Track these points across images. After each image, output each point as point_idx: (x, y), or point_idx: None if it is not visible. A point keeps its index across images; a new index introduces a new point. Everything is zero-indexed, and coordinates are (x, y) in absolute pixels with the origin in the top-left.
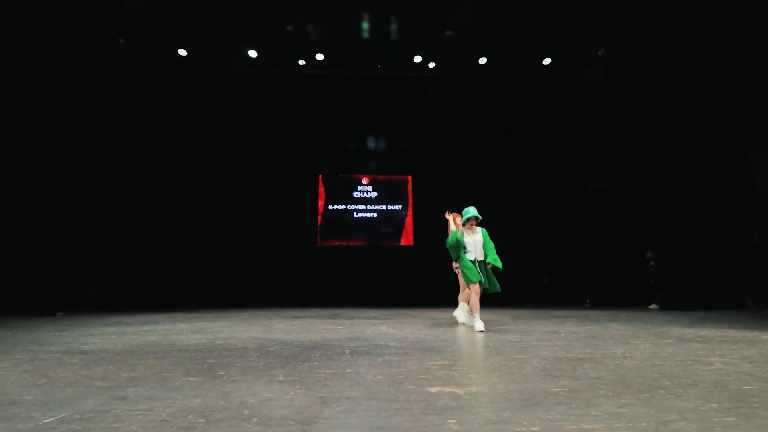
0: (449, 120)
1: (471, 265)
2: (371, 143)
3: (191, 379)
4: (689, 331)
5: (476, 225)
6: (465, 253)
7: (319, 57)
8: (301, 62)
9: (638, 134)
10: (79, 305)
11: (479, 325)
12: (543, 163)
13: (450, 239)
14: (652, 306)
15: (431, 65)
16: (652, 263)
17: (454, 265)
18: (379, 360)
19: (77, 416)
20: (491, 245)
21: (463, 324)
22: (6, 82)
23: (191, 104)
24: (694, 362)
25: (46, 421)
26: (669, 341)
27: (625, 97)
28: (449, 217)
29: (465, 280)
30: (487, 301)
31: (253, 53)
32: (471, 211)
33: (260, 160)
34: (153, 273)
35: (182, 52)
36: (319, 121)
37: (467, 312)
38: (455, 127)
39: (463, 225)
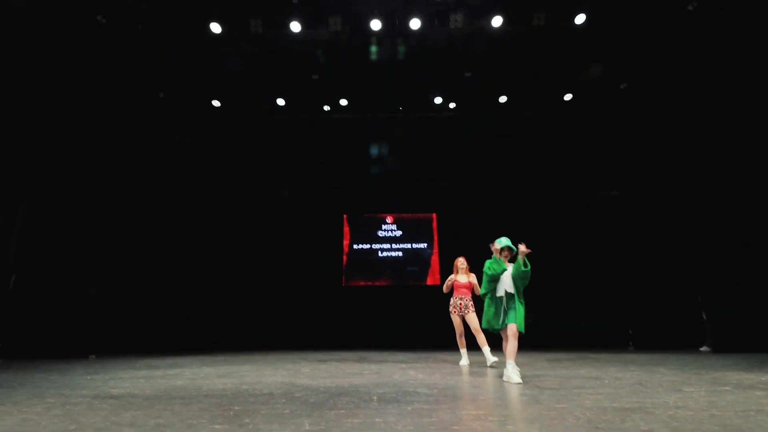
0: (473, 156)
1: (489, 306)
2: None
3: (217, 426)
4: (749, 377)
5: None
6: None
7: (343, 102)
8: (326, 108)
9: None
10: (111, 346)
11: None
12: (571, 196)
13: (491, 269)
14: (703, 348)
15: (452, 105)
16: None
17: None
18: (409, 408)
19: None
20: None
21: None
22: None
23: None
24: (758, 413)
25: None
26: (726, 388)
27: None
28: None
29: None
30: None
31: (281, 101)
32: (504, 241)
33: (285, 202)
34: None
35: (216, 103)
36: (343, 162)
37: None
38: (479, 164)
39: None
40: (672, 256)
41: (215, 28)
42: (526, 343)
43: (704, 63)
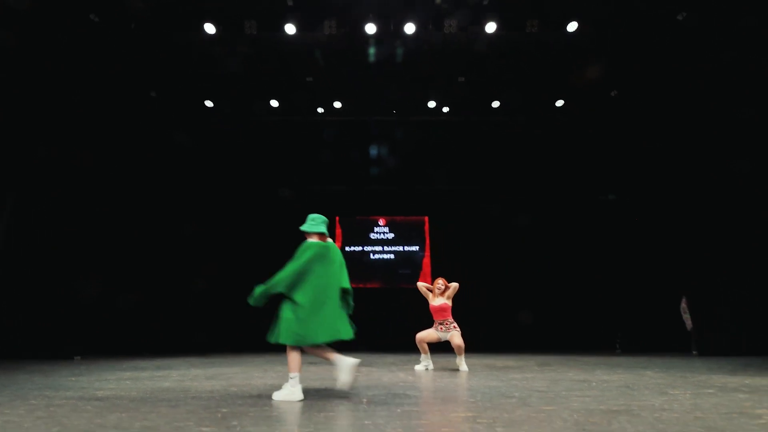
0: (466, 160)
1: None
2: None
3: (204, 429)
4: (732, 380)
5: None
6: None
7: (337, 105)
8: (320, 110)
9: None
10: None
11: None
12: (565, 200)
13: None
14: (695, 352)
15: (445, 110)
16: (685, 306)
17: None
18: (398, 411)
19: None
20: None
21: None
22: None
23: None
24: (741, 415)
25: None
26: (711, 391)
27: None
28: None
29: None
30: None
31: (274, 103)
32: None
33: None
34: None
35: (209, 103)
36: (336, 164)
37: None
38: (472, 168)
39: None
40: (660, 262)
41: (209, 28)
42: (517, 347)
43: (693, 70)
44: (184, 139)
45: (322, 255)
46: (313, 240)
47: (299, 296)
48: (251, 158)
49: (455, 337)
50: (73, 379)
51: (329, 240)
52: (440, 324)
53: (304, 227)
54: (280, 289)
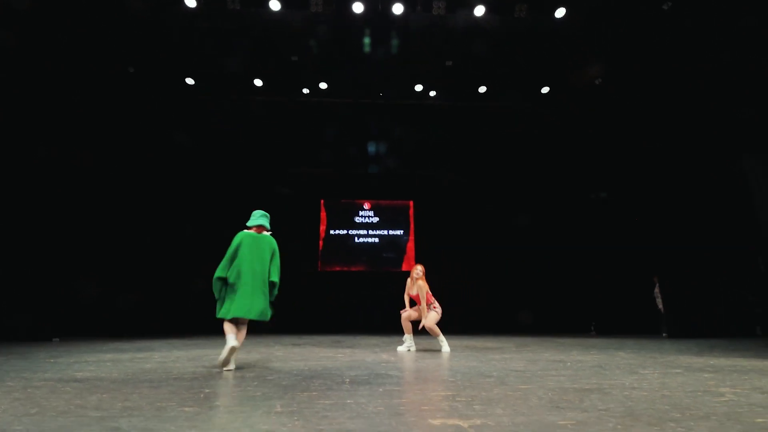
0: (451, 145)
1: None
2: (372, 167)
3: (187, 409)
4: (698, 360)
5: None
6: None
7: (323, 86)
8: (305, 90)
9: (639, 140)
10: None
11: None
12: (541, 185)
13: None
14: (665, 334)
15: (432, 94)
16: (657, 291)
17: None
18: (380, 390)
19: None
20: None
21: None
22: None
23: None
24: (705, 393)
25: None
26: (678, 371)
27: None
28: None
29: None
30: (491, 329)
31: (258, 82)
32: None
33: (263, 186)
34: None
35: (189, 81)
36: (322, 146)
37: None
38: (457, 153)
39: None
40: (633, 250)
41: (189, 2)
42: (498, 330)
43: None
44: (163, 117)
45: (249, 244)
46: (247, 231)
47: (229, 277)
48: (234, 141)
49: (428, 319)
50: (52, 360)
51: (265, 232)
52: (415, 310)
53: (248, 222)
54: (218, 273)
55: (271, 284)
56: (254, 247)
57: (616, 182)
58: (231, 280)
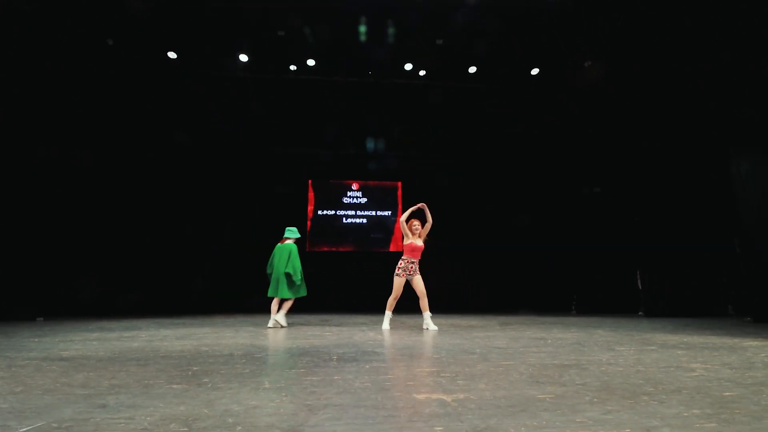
0: (441, 127)
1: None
2: (370, 145)
3: (174, 386)
4: (672, 338)
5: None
6: None
7: (311, 63)
8: (293, 67)
9: (632, 136)
10: (61, 310)
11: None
12: (531, 170)
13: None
14: (641, 313)
15: (422, 73)
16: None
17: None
18: (367, 367)
19: (55, 425)
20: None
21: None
22: (5, 82)
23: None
24: (677, 369)
25: (22, 430)
26: (653, 348)
27: (622, 97)
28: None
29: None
30: (476, 308)
31: (244, 57)
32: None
33: (251, 165)
34: (150, 275)
35: (172, 54)
36: (310, 126)
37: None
38: (447, 134)
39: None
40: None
41: None
42: (481, 309)
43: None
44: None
45: (278, 249)
46: (280, 243)
47: (270, 272)
48: (221, 119)
49: (419, 283)
50: (36, 340)
51: (288, 241)
52: (411, 263)
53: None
54: (268, 270)
55: (286, 275)
56: (279, 252)
57: (614, 180)
58: (270, 273)
